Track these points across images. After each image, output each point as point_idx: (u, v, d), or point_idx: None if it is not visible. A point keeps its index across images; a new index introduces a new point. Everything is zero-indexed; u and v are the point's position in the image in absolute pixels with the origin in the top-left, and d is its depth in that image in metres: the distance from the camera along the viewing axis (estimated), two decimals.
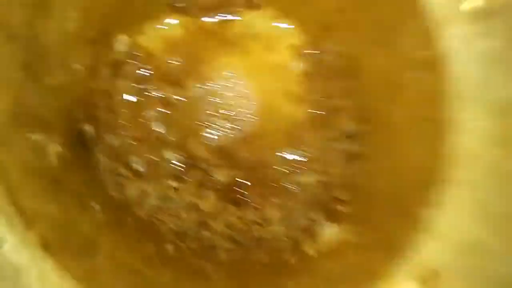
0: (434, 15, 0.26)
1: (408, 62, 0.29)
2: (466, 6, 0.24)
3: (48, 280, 0.22)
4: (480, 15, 0.24)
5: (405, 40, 0.29)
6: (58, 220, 0.26)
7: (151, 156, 0.38)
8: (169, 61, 0.40)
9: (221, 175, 0.39)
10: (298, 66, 0.40)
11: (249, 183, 0.39)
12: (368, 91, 0.36)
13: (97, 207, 0.31)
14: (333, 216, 0.36)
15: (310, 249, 0.33)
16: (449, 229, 0.23)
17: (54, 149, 0.29)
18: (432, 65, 0.26)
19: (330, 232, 0.33)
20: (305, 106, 0.39)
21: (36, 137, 0.28)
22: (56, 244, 0.24)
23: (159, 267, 0.30)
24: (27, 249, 0.23)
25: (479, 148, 0.24)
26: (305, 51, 0.40)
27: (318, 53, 0.39)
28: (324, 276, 0.28)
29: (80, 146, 0.34)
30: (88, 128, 0.35)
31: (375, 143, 0.35)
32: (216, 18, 0.40)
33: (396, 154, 0.32)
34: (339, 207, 0.36)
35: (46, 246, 0.23)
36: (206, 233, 0.36)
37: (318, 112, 0.39)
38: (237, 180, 0.39)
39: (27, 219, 0.23)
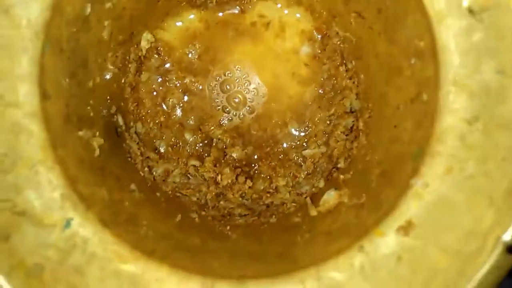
0: (433, 9, 0.28)
1: (406, 50, 0.32)
2: (464, 3, 0.27)
3: (108, 247, 0.28)
4: (474, 11, 0.27)
5: (405, 31, 0.32)
6: (108, 201, 0.31)
7: (174, 139, 0.43)
8: (189, 53, 0.43)
9: (235, 152, 0.43)
10: (307, 50, 0.43)
11: (260, 158, 0.45)
12: (368, 74, 0.40)
13: (134, 187, 0.36)
14: (332, 183, 0.40)
15: (312, 211, 0.37)
16: (425, 190, 0.28)
17: (97, 142, 0.34)
18: (427, 54, 0.29)
19: (329, 196, 0.38)
20: (312, 86, 0.43)
21: (83, 133, 0.33)
22: (110, 220, 0.29)
23: (188, 232, 0.35)
24: (89, 224, 0.28)
25: (459, 125, 0.28)
26: (314, 36, 0.43)
27: (326, 38, 0.43)
28: (324, 231, 0.33)
29: (115, 136, 0.38)
30: (120, 119, 0.40)
31: (372, 120, 0.39)
32: (232, 11, 0.44)
33: (389, 130, 0.35)
34: (338, 175, 0.40)
35: (103, 222, 0.28)
36: (223, 203, 0.41)
37: (323, 91, 0.43)
38: (250, 156, 0.44)
39: (86, 202, 0.29)
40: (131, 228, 0.30)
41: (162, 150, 0.43)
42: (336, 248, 0.29)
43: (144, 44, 0.42)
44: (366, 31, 0.38)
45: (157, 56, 0.43)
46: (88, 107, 0.35)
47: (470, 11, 0.27)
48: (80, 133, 0.33)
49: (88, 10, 0.33)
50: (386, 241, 0.28)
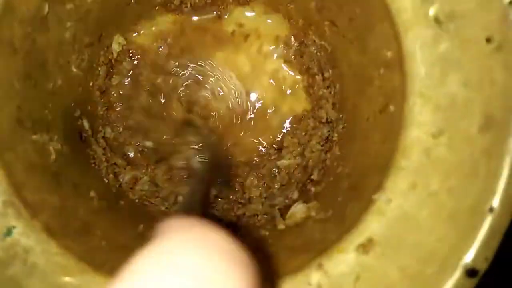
0: (400, 18, 0.27)
1: (375, 60, 0.31)
2: (430, 12, 0.26)
3: (52, 258, 0.27)
4: (440, 20, 0.26)
5: (374, 40, 0.31)
6: (58, 208, 0.29)
7: (143, 144, 0.42)
8: (161, 56, 0.42)
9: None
10: (284, 57, 0.43)
11: (233, 168, 0.43)
12: (343, 84, 0.39)
13: (94, 194, 0.34)
14: (304, 195, 0.39)
15: (280, 224, 0.36)
16: (387, 206, 0.26)
17: (55, 146, 0.32)
18: (394, 64, 0.28)
19: (298, 209, 0.36)
20: (289, 95, 0.43)
21: (38, 137, 0.31)
22: (57, 229, 0.28)
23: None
24: (33, 234, 0.27)
25: (424, 138, 0.26)
26: (291, 43, 0.42)
27: (303, 46, 0.42)
28: (287, 246, 0.32)
29: (78, 141, 0.37)
30: (86, 124, 0.38)
31: (345, 131, 0.38)
32: (208, 16, 0.43)
33: (359, 142, 0.35)
34: (311, 188, 0.39)
35: (49, 231, 0.27)
36: None
37: (301, 100, 0.42)
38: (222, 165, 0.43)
39: (31, 209, 0.27)
40: (81, 239, 0.29)
41: (131, 155, 0.42)
42: (295, 265, 0.28)
43: (115, 47, 0.42)
44: (340, 39, 0.37)
45: (129, 59, 0.43)
46: (46, 111, 0.33)
47: (437, 20, 0.26)
48: (35, 137, 0.31)
49: (46, 10, 0.32)
50: (346, 259, 0.27)
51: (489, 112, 0.25)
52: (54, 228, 0.28)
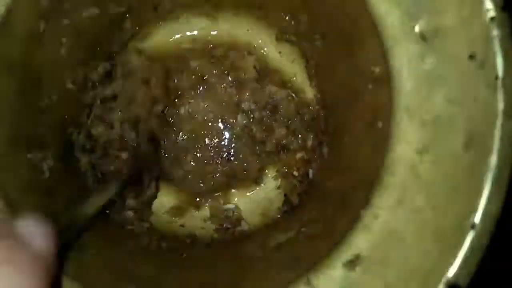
0: (388, 33, 0.28)
1: (364, 75, 0.31)
2: (416, 29, 0.27)
3: None
4: (426, 37, 0.27)
5: (363, 55, 0.31)
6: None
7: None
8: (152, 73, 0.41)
9: None
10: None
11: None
12: (332, 97, 0.39)
13: None
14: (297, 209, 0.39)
15: (272, 240, 0.36)
16: (374, 222, 0.27)
17: (48, 164, 0.33)
18: (382, 80, 0.29)
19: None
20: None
21: (32, 156, 0.32)
22: None
23: (141, 261, 0.34)
24: None
25: (410, 155, 0.27)
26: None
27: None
28: (277, 263, 0.32)
29: (70, 157, 0.37)
30: (77, 139, 0.38)
31: (334, 146, 0.38)
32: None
33: (347, 157, 0.35)
34: (299, 203, 0.39)
35: None
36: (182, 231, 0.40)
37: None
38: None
39: None
40: (73, 257, 0.29)
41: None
42: (284, 281, 0.28)
43: (106, 65, 0.41)
44: (330, 53, 0.37)
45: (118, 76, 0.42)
46: (40, 127, 0.34)
47: (422, 36, 0.27)
48: (29, 155, 0.32)
49: (42, 27, 0.32)
50: (333, 275, 0.27)
51: (472, 129, 0.25)
52: None
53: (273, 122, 0.41)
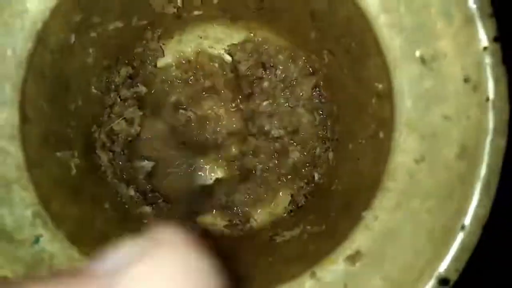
0: (390, 55, 0.30)
1: (369, 90, 0.34)
2: (417, 53, 0.29)
3: (74, 264, 0.29)
4: (425, 60, 0.29)
5: (368, 72, 0.34)
6: (79, 219, 0.32)
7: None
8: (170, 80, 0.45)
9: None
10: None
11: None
12: (339, 107, 0.42)
13: (108, 206, 0.37)
14: (302, 209, 0.42)
15: (277, 237, 0.39)
16: (374, 222, 0.30)
17: (75, 162, 0.35)
18: (385, 95, 0.31)
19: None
20: None
21: (60, 154, 0.34)
22: (78, 238, 0.31)
23: None
24: (57, 242, 0.30)
25: (408, 163, 0.30)
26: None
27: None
28: (283, 258, 0.35)
29: (93, 155, 0.40)
30: (99, 139, 0.41)
31: (339, 152, 0.41)
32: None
33: (352, 164, 0.38)
34: (305, 203, 0.43)
35: (72, 239, 0.30)
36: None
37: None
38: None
39: (56, 220, 0.30)
40: (99, 247, 0.32)
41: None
42: (291, 274, 0.31)
43: (128, 69, 0.44)
44: (337, 67, 0.40)
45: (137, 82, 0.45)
46: (68, 129, 0.36)
47: (422, 60, 0.30)
48: (58, 154, 0.34)
49: (73, 39, 0.35)
50: (335, 269, 0.30)
51: (465, 143, 0.28)
52: (76, 237, 0.31)
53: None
